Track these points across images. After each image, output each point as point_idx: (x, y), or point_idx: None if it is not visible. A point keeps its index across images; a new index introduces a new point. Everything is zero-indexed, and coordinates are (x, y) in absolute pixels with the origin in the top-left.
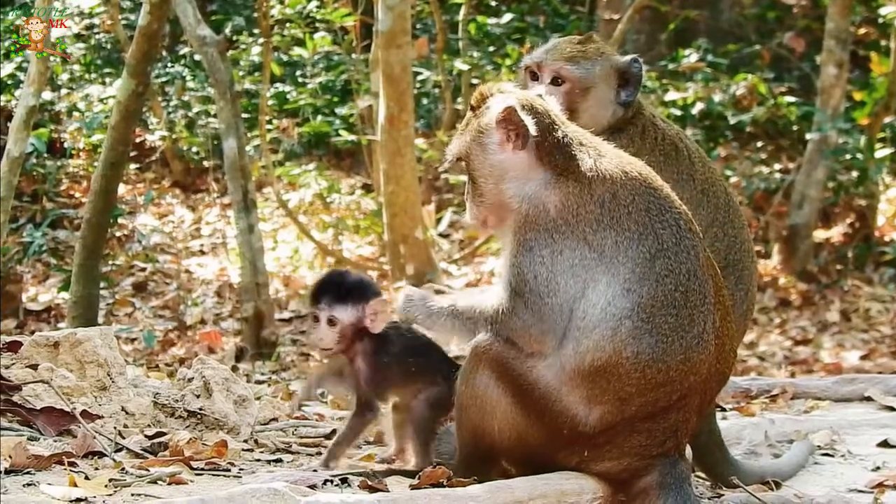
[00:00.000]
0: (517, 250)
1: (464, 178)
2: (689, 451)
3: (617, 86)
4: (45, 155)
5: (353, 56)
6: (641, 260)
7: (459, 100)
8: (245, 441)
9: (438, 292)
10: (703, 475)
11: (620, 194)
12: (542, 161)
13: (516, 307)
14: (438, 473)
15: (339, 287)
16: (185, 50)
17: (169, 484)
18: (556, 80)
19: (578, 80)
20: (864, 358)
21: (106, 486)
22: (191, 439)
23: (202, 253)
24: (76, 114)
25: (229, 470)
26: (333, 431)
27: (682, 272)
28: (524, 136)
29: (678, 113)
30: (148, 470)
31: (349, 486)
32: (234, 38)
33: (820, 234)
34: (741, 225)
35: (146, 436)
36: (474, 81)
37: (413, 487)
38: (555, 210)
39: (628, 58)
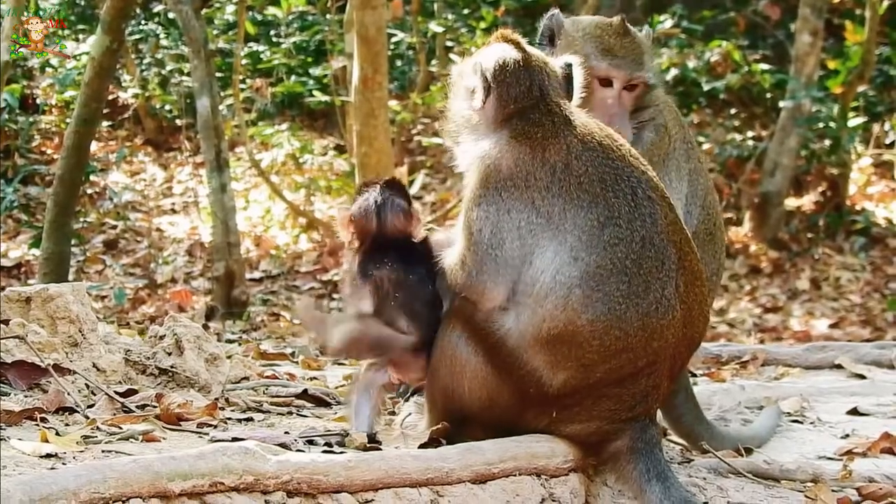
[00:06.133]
0: (469, 205)
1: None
2: (660, 415)
3: None
4: (18, 110)
5: (328, 16)
6: (588, 228)
7: (433, 62)
8: (216, 399)
9: None
10: (674, 440)
11: (574, 165)
12: (501, 120)
13: (466, 260)
14: (441, 430)
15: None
16: (159, 7)
17: (141, 441)
18: (630, 87)
19: (646, 80)
20: (833, 326)
21: (78, 442)
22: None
23: (174, 211)
24: (49, 70)
25: (204, 427)
26: (305, 391)
27: (636, 240)
28: (483, 96)
29: None
30: (120, 427)
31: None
32: None
33: (791, 203)
34: (702, 194)
35: (118, 392)
36: (448, 44)
37: (422, 446)
38: (507, 170)
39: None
